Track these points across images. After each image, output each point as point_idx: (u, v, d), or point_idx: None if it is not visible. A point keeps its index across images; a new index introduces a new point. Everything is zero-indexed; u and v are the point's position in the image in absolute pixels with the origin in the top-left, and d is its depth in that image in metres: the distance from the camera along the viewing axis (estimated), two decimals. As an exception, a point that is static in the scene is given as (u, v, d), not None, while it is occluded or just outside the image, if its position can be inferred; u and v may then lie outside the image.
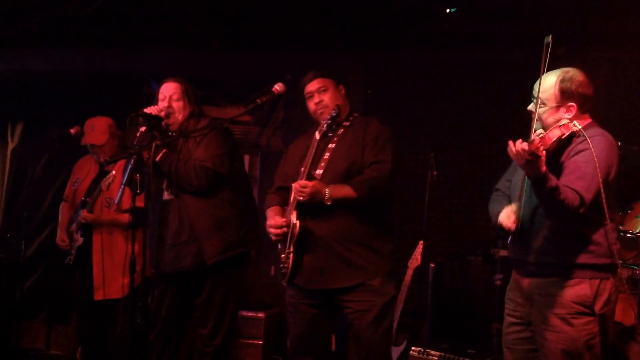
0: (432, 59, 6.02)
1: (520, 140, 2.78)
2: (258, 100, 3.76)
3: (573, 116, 3.02)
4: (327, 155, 3.68)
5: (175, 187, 4.04)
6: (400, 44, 5.93)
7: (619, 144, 4.44)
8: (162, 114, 4.00)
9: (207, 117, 4.27)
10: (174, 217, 4.05)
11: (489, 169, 3.39)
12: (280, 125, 6.31)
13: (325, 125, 3.62)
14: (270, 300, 5.73)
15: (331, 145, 3.70)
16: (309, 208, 3.58)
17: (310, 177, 3.61)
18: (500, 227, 3.13)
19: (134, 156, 3.66)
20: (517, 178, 3.21)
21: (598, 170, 2.89)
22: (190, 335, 4.30)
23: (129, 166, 3.64)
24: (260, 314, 5.52)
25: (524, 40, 5.39)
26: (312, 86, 3.78)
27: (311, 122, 3.89)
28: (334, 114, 3.62)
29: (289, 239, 3.63)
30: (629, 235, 4.46)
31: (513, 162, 3.31)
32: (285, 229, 3.64)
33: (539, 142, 2.74)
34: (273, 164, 6.26)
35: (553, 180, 2.81)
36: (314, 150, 3.68)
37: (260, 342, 5.47)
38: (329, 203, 3.49)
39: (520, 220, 3.06)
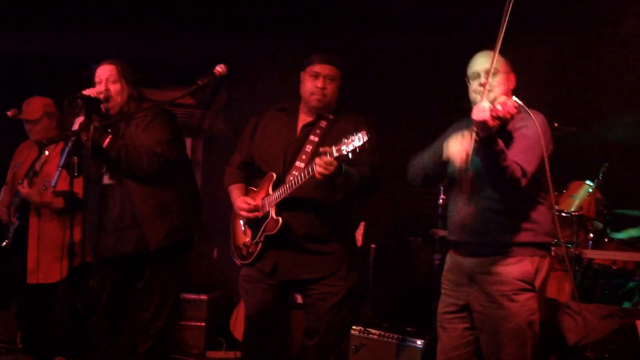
0: (373, 41, 6.06)
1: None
2: (199, 82, 3.71)
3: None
4: (309, 147, 3.66)
5: (117, 172, 4.00)
6: (345, 26, 5.95)
7: (556, 125, 4.59)
8: (102, 96, 3.94)
9: (148, 100, 4.22)
10: (115, 202, 3.99)
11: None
12: (223, 108, 6.29)
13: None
14: (213, 282, 5.74)
15: (313, 138, 3.68)
16: (287, 203, 3.57)
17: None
18: (447, 162, 3.07)
19: (72, 138, 3.62)
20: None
21: (543, 143, 2.95)
22: (132, 318, 4.28)
23: (67, 148, 3.60)
24: (203, 296, 5.54)
25: (463, 22, 5.48)
26: (322, 68, 3.66)
27: (255, 106, 3.86)
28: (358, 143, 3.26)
29: (262, 229, 3.63)
30: (564, 214, 4.58)
31: (437, 142, 3.32)
32: (257, 214, 3.65)
33: (507, 106, 2.79)
34: (216, 148, 6.30)
35: (501, 143, 2.86)
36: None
37: (203, 324, 5.50)
38: (339, 182, 3.42)
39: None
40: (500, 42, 2.94)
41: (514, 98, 2.96)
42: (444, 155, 3.05)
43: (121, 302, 4.15)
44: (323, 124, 3.71)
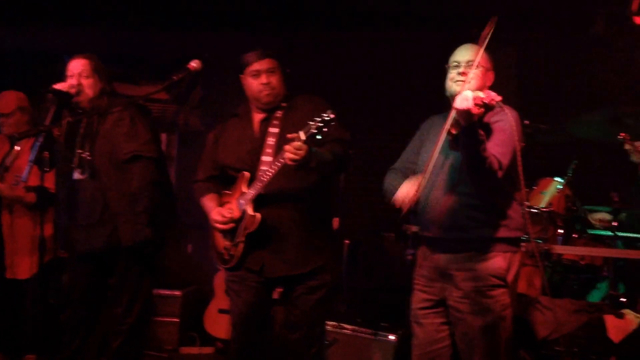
0: (350, 38, 6.08)
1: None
2: (174, 77, 3.70)
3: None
4: (271, 140, 3.63)
5: (88, 167, 3.97)
6: (321, 23, 5.97)
7: (527, 122, 4.63)
8: (73, 90, 3.93)
9: (121, 96, 4.21)
10: (86, 197, 3.98)
11: (403, 147, 3.46)
12: (198, 104, 6.29)
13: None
14: (187, 278, 5.74)
15: (273, 130, 3.65)
16: (263, 199, 3.55)
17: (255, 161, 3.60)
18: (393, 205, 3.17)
19: (43, 133, 3.61)
20: (423, 156, 3.26)
21: (515, 137, 2.98)
22: (104, 314, 4.27)
23: (37, 143, 3.59)
24: (177, 292, 5.54)
25: (440, 19, 5.52)
26: (261, 65, 3.64)
27: (229, 102, 3.85)
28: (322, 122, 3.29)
29: (241, 229, 3.59)
30: (533, 210, 4.63)
31: (413, 142, 3.40)
32: (232, 224, 3.62)
33: (490, 94, 2.83)
34: (191, 143, 6.29)
35: (482, 133, 2.89)
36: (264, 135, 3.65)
37: (177, 320, 5.50)
38: (312, 165, 3.39)
39: (419, 198, 3.10)
40: (487, 40, 2.99)
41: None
42: (390, 200, 3.17)
43: (94, 298, 4.13)
44: (279, 114, 3.69)
